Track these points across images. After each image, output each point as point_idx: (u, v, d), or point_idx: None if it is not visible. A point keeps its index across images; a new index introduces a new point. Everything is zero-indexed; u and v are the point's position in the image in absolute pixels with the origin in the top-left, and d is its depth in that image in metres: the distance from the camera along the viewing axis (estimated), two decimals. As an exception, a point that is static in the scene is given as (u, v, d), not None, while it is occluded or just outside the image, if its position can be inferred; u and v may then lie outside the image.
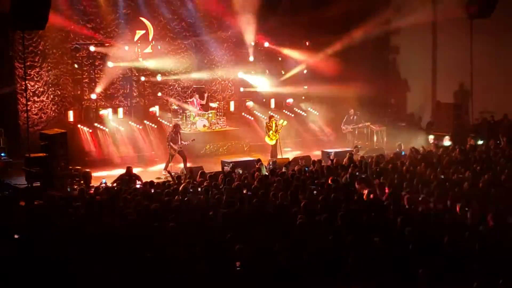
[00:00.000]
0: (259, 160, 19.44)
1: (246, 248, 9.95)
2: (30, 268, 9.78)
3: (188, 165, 20.62)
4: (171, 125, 23.31)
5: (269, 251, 10.10)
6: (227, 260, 9.81)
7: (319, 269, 9.46)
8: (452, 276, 9.09)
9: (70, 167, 19.18)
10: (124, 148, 23.25)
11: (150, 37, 25.06)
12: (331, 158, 19.82)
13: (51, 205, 14.27)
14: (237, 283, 9.24)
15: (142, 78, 25.03)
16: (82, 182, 18.56)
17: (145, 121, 24.42)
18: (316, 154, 22.31)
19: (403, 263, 9.56)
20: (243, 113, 26.56)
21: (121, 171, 18.94)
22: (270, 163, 20.12)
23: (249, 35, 26.62)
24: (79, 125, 23.04)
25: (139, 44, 24.82)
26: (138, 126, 24.03)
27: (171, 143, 20.67)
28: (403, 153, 19.86)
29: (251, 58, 27.11)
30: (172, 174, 19.80)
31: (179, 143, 20.72)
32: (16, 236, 11.29)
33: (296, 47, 27.78)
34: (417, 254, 9.88)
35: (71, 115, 23.45)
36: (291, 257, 9.73)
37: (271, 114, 23.50)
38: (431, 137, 25.47)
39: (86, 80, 23.94)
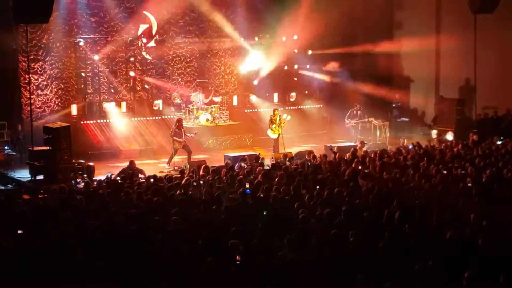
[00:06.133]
0: (259, 156, 19.50)
1: (239, 243, 9.96)
2: (33, 262, 9.81)
3: (191, 158, 20.66)
4: (174, 116, 23.37)
5: (270, 246, 10.13)
6: (229, 254, 9.82)
7: (321, 265, 9.48)
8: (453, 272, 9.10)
9: (74, 160, 19.22)
10: (127, 142, 23.26)
11: (154, 31, 25.07)
12: (334, 150, 19.79)
13: (54, 198, 14.30)
14: (238, 278, 9.25)
15: (145, 73, 25.03)
16: (85, 175, 18.60)
17: (148, 115, 24.41)
18: (319, 148, 22.30)
19: (404, 259, 9.58)
20: (246, 110, 26.55)
21: (124, 164, 18.97)
22: (280, 157, 20.14)
23: (253, 30, 26.65)
24: (82, 119, 23.05)
25: (142, 38, 24.83)
26: (141, 119, 24.03)
27: (175, 138, 20.68)
28: (410, 147, 19.84)
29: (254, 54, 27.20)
30: (175, 168, 19.88)
31: (183, 137, 20.74)
32: (19, 232, 11.30)
33: (299, 41, 27.84)
34: (417, 250, 9.90)
35: (74, 109, 23.47)
36: (292, 252, 9.74)
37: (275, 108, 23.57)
38: (434, 132, 25.50)
39: (90, 74, 23.96)
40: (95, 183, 16.64)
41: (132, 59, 24.76)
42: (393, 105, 28.73)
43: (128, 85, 24.87)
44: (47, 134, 19.09)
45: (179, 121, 21.24)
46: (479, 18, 23.81)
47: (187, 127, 22.54)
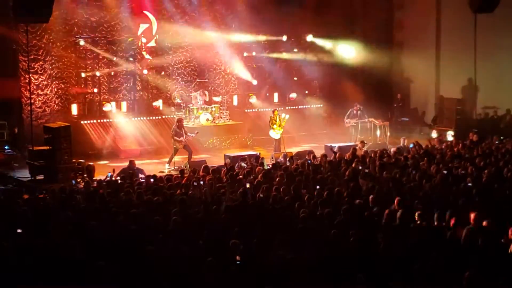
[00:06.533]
0: (259, 156, 19.52)
1: (240, 243, 9.97)
2: (33, 261, 9.81)
3: (191, 158, 20.66)
4: (175, 116, 23.37)
5: (269, 246, 10.13)
6: (229, 254, 9.83)
7: (321, 265, 9.48)
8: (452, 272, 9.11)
9: (74, 160, 19.23)
10: (127, 142, 23.25)
11: (154, 31, 25.07)
12: (334, 150, 19.79)
13: (54, 198, 14.31)
14: (238, 278, 9.25)
15: (145, 72, 25.02)
16: (85, 175, 18.60)
17: (148, 115, 24.40)
18: (319, 148, 22.30)
19: (404, 259, 9.59)
20: (246, 110, 26.55)
21: (124, 164, 18.96)
22: (280, 156, 20.15)
23: (253, 29, 26.66)
24: (82, 119, 23.04)
25: (142, 38, 24.83)
26: (141, 119, 24.02)
27: (175, 138, 20.68)
28: (411, 146, 19.83)
29: (254, 53, 27.21)
30: (176, 167, 19.87)
31: (184, 137, 20.74)
32: (19, 231, 11.31)
33: (299, 41, 27.84)
34: (417, 250, 9.91)
35: (74, 109, 23.48)
36: (292, 252, 9.75)
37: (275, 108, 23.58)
38: (434, 132, 25.49)
39: (90, 74, 23.97)
40: (95, 183, 16.64)
41: (131, 58, 24.74)
42: (394, 105, 28.74)
43: (128, 84, 24.87)
44: (47, 133, 19.12)
45: (180, 121, 21.23)
46: (479, 18, 23.80)
47: (188, 127, 22.52)
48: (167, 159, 21.01)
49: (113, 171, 17.33)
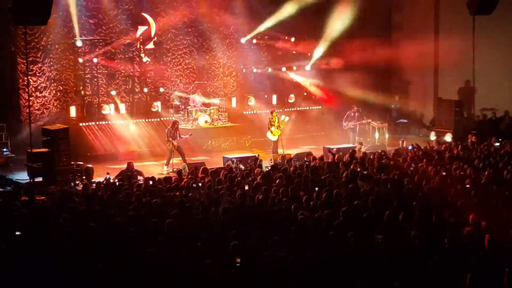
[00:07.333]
0: (258, 158, 19.49)
1: (240, 245, 9.97)
2: (32, 264, 9.80)
3: (190, 160, 20.64)
4: (173, 118, 23.36)
5: (268, 247, 10.12)
6: (228, 256, 9.82)
7: (320, 266, 9.47)
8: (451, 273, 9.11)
9: (72, 162, 19.20)
10: (126, 144, 23.23)
11: (152, 33, 25.06)
12: (333, 152, 19.80)
13: (52, 200, 14.30)
14: (237, 279, 9.25)
15: (144, 75, 25.00)
16: (84, 177, 18.58)
17: (147, 117, 24.39)
18: (318, 150, 22.29)
19: (404, 260, 9.59)
20: (244, 112, 26.54)
21: (123, 166, 18.94)
22: (278, 158, 20.11)
23: (250, 30, 26.68)
24: (81, 121, 23.02)
25: (141, 40, 24.81)
26: (140, 121, 24.01)
27: (170, 139, 20.69)
28: (410, 148, 19.82)
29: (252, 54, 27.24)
30: (174, 169, 19.86)
31: (178, 138, 20.76)
32: (17, 233, 11.30)
33: (298, 41, 27.82)
34: (418, 252, 9.91)
35: (73, 111, 23.45)
36: (291, 254, 9.74)
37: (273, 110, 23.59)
38: (432, 134, 25.50)
39: (88, 76, 23.95)
40: (94, 185, 16.61)
41: (130, 61, 24.70)
42: (392, 106, 28.75)
43: (127, 87, 24.86)
44: (45, 136, 19.09)
45: (175, 123, 21.22)
46: (478, 20, 23.82)
47: (186, 129, 22.52)
48: (165, 161, 21.00)
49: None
